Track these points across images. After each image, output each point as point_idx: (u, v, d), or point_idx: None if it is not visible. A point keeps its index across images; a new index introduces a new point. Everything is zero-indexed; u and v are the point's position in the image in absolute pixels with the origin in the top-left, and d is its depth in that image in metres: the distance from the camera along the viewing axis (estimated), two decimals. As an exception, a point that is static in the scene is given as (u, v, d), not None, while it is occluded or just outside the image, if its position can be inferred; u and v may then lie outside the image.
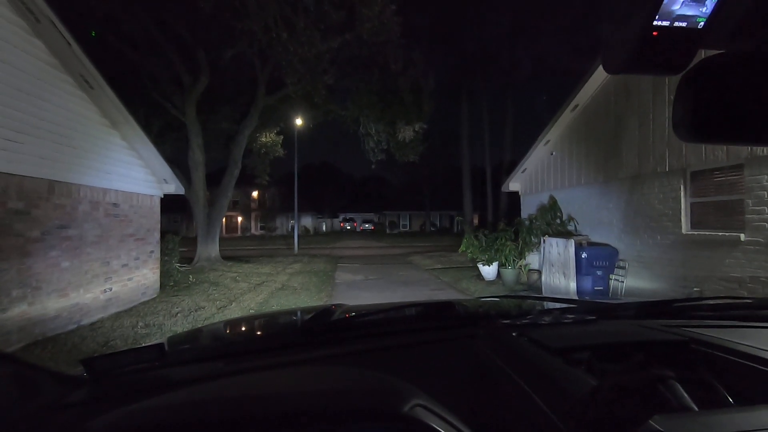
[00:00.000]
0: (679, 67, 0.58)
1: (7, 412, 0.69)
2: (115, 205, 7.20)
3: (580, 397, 0.67)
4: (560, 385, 0.73)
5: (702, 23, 0.53)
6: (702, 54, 0.58)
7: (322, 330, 1.15)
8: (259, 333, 1.55)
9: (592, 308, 1.44)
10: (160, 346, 0.94)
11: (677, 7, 0.51)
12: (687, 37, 0.54)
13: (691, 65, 0.59)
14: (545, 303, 1.70)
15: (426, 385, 0.68)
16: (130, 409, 0.61)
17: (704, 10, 0.52)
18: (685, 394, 0.70)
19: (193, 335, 1.60)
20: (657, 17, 0.52)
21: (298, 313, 2.04)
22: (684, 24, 0.53)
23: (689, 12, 0.52)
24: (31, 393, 0.75)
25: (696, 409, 0.69)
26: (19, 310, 5.10)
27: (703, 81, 0.58)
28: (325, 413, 0.59)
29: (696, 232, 5.95)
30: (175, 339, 1.41)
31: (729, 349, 0.91)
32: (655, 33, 0.53)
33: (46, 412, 0.73)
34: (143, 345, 0.97)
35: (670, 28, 0.53)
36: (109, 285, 6.96)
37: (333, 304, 1.57)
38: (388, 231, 46.54)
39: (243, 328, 1.71)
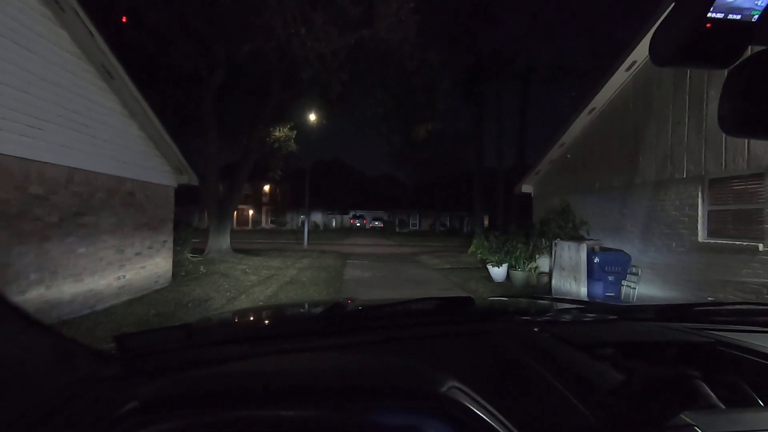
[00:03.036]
0: (729, 60, 0.58)
1: (46, 382, 0.71)
2: (131, 194, 7.31)
3: (610, 389, 0.67)
4: (588, 379, 0.73)
5: (756, 16, 0.52)
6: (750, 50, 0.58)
7: (343, 319, 1.16)
8: (282, 320, 1.57)
9: (611, 309, 1.43)
10: (188, 326, 0.96)
11: None
12: (740, 31, 0.54)
13: (741, 59, 0.58)
14: (561, 303, 1.69)
15: (450, 373, 0.68)
16: (169, 382, 0.63)
17: (760, 2, 0.51)
18: (712, 394, 0.70)
19: (217, 320, 1.62)
20: (712, 9, 0.52)
21: (317, 305, 2.06)
22: (738, 16, 0.52)
23: (745, 4, 0.51)
24: (68, 365, 0.78)
25: (723, 407, 0.69)
26: (37, 293, 5.22)
27: (751, 75, 0.58)
28: (360, 389, 0.60)
29: (712, 241, 5.85)
30: (200, 322, 1.44)
31: (756, 352, 0.90)
32: (708, 24, 0.53)
33: (82, 384, 0.75)
34: (172, 325, 1.00)
35: (724, 20, 0.53)
36: (122, 272, 7.07)
37: (347, 298, 1.58)
38: (397, 229, 46.51)
39: (265, 315, 1.73)
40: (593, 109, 8.51)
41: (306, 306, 2.20)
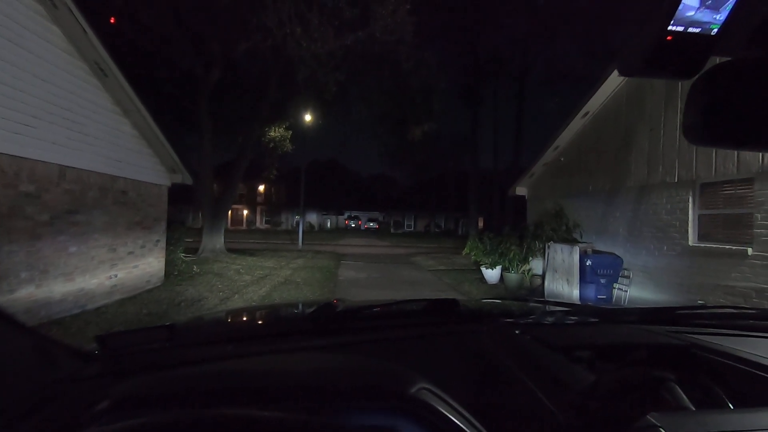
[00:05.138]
0: (691, 71, 0.60)
1: (26, 382, 0.71)
2: (123, 192, 7.27)
3: (580, 390, 0.68)
4: (561, 380, 0.74)
5: (716, 30, 0.54)
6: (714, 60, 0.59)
7: (328, 320, 1.17)
8: (265, 321, 1.58)
9: (595, 312, 1.44)
10: (170, 327, 0.97)
11: (692, 14, 0.53)
12: (700, 43, 0.56)
13: (703, 70, 0.60)
14: (548, 306, 1.71)
15: (430, 374, 0.69)
16: (142, 381, 0.63)
17: (718, 17, 0.53)
18: (684, 396, 0.71)
19: (202, 320, 1.63)
20: (672, 22, 0.54)
21: (304, 305, 2.07)
22: (698, 30, 0.54)
23: (703, 18, 0.53)
24: (49, 365, 0.78)
25: (693, 409, 0.70)
26: (27, 292, 5.17)
27: (714, 86, 0.59)
28: (330, 390, 0.60)
29: (703, 245, 5.91)
30: (184, 322, 1.44)
31: (730, 355, 0.91)
32: (669, 38, 0.55)
33: (62, 384, 0.76)
34: (155, 325, 1.00)
35: (684, 33, 0.54)
36: (114, 272, 7.03)
37: (335, 299, 1.59)
38: (392, 230, 46.52)
39: (250, 316, 1.74)
40: (587, 113, 8.57)
41: (293, 307, 2.21)
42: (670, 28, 0.54)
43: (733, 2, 0.52)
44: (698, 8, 0.52)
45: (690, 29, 0.54)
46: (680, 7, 0.52)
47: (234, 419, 0.55)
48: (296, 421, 0.56)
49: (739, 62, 0.59)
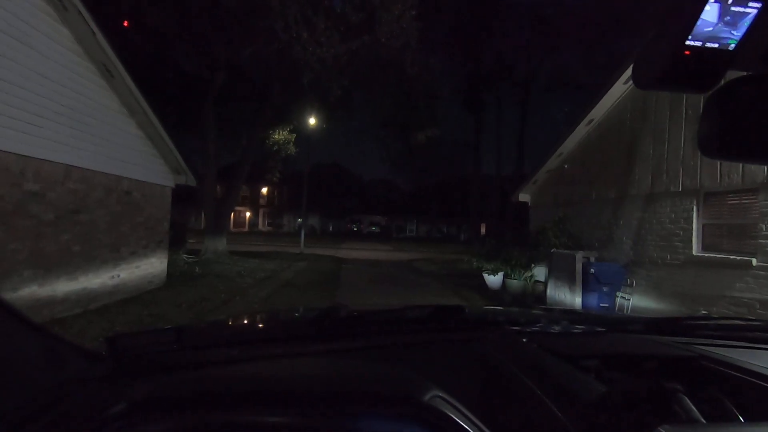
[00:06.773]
0: (708, 86, 0.60)
1: (35, 381, 0.71)
2: (127, 193, 7.29)
3: (590, 401, 0.68)
4: (570, 390, 0.74)
5: (733, 45, 0.55)
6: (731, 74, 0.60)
7: (335, 325, 1.17)
8: (271, 324, 1.58)
9: (602, 321, 1.44)
10: (179, 329, 0.97)
11: (710, 29, 0.53)
12: (718, 58, 0.56)
13: (720, 84, 0.60)
14: (553, 314, 1.70)
15: (436, 381, 0.69)
16: (158, 383, 0.63)
17: (736, 33, 0.53)
18: (693, 408, 0.71)
19: (209, 323, 1.63)
20: (689, 37, 0.54)
21: (309, 311, 2.07)
22: (716, 45, 0.54)
23: (721, 34, 0.53)
24: (58, 365, 0.78)
25: (703, 422, 0.69)
26: (29, 291, 5.18)
27: (730, 100, 0.60)
28: (343, 396, 0.60)
29: (707, 254, 5.88)
30: (192, 325, 1.44)
31: (739, 368, 0.91)
32: (687, 52, 0.55)
33: (71, 384, 0.76)
34: (163, 327, 1.00)
35: (702, 48, 0.55)
36: (117, 271, 7.04)
37: (339, 304, 1.59)
38: (394, 235, 46.50)
39: (256, 320, 1.74)
40: (591, 120, 8.56)
41: (298, 311, 2.21)
42: (687, 42, 0.54)
43: (752, 18, 0.52)
44: (716, 24, 0.53)
45: (708, 44, 0.54)
46: (698, 23, 0.52)
47: (248, 424, 0.55)
48: (309, 427, 0.56)
49: (756, 77, 0.59)
